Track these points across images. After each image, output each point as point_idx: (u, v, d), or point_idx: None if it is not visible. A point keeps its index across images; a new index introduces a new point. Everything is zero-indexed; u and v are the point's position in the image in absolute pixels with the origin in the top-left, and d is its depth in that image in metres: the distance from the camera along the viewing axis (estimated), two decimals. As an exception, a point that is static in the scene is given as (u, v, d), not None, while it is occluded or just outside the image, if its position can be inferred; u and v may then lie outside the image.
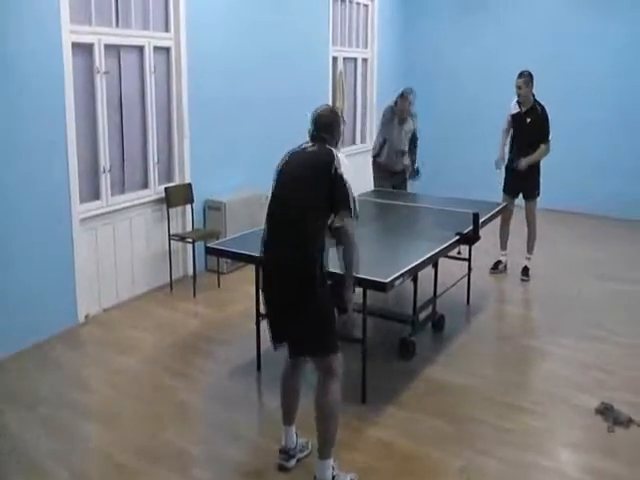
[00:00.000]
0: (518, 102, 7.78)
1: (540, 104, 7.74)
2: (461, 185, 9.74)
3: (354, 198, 3.81)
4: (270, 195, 4.01)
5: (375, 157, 8.08)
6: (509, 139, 8.04)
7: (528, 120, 7.73)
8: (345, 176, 3.78)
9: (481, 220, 6.00)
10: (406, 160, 8.10)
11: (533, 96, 7.72)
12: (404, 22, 12.35)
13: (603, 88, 10.82)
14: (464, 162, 11.63)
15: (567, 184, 10.83)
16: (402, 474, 4.11)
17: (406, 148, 8.02)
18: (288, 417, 4.16)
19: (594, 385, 5.25)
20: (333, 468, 3.86)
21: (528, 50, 10.90)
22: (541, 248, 8.39)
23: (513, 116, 7.87)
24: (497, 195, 7.91)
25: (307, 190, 3.81)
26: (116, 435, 4.52)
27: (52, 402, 4.92)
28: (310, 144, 4.04)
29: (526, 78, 7.59)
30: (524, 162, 7.68)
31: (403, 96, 7.80)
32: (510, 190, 7.95)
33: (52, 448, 4.34)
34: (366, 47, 11.49)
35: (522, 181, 7.81)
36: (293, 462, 4.14)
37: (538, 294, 7.40)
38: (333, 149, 3.95)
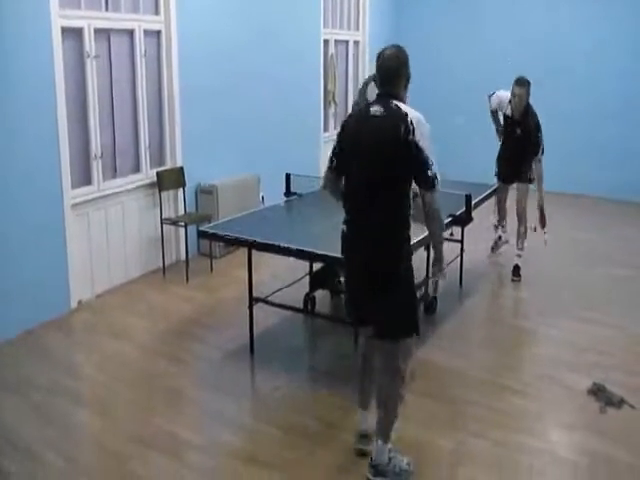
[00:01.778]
0: (509, 101, 7.22)
1: (533, 112, 7.17)
2: (451, 171, 9.78)
3: (431, 165, 3.56)
4: (332, 159, 3.85)
5: None
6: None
7: (518, 131, 7.26)
8: (419, 142, 3.52)
9: (474, 202, 6.01)
10: None
11: (527, 103, 7.14)
12: (396, 4, 12.33)
13: (604, 70, 10.84)
14: (454, 146, 11.61)
15: (561, 166, 10.82)
16: (395, 455, 4.13)
17: None
18: (365, 400, 4.14)
19: (587, 366, 5.27)
20: (390, 450, 3.84)
21: (521, 37, 11.01)
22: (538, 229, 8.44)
23: (505, 116, 7.42)
24: (488, 181, 7.85)
25: (382, 169, 3.58)
26: (109, 421, 4.53)
27: (45, 389, 4.91)
28: (376, 106, 3.66)
29: (528, 87, 7.01)
30: (541, 201, 7.26)
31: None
32: (504, 178, 7.62)
33: (45, 434, 4.34)
34: (357, 29, 11.44)
35: (515, 168, 7.40)
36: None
37: (531, 276, 7.38)
38: (402, 108, 3.59)
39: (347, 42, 11.22)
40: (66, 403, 4.72)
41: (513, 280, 7.34)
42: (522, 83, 6.97)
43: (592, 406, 4.69)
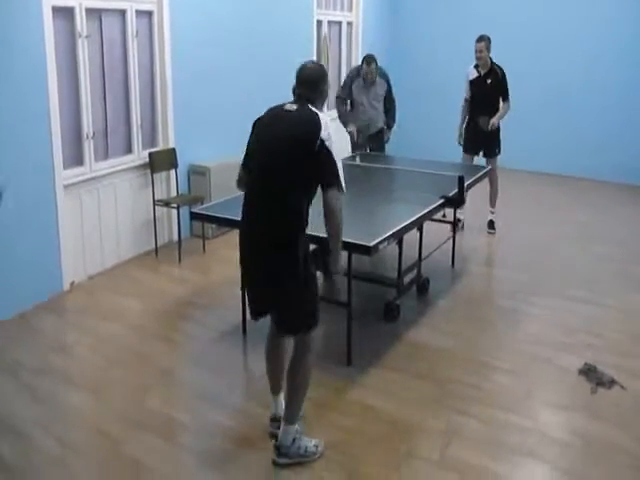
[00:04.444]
0: (475, 67, 8.02)
1: (498, 66, 7.99)
2: (423, 146, 9.89)
3: (340, 170, 3.58)
4: (245, 156, 3.86)
5: (344, 124, 8.09)
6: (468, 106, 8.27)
7: (489, 81, 7.98)
8: (331, 148, 3.54)
9: (466, 183, 6.02)
10: (380, 121, 8.10)
11: (490, 59, 7.94)
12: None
13: (594, 53, 10.83)
14: (433, 125, 11.63)
15: (552, 146, 10.91)
16: (385, 435, 4.15)
17: (380, 111, 8.03)
18: (275, 386, 4.16)
19: (578, 347, 5.30)
20: (296, 431, 3.89)
21: (513, 20, 11.15)
22: (526, 210, 8.47)
23: (472, 82, 8.09)
24: (457, 154, 8.24)
25: (288, 162, 3.58)
26: (101, 402, 4.54)
27: (37, 370, 4.92)
28: (291, 104, 3.72)
29: (486, 42, 7.83)
30: (495, 120, 7.90)
31: (366, 61, 7.83)
32: (470, 149, 8.22)
33: (37, 416, 4.35)
34: (350, 10, 11.39)
35: (483, 140, 8.07)
36: None
37: (524, 256, 7.41)
38: (318, 112, 3.64)
39: (340, 23, 11.17)
40: (58, 384, 4.73)
41: (489, 233, 8.21)
42: (480, 38, 7.86)
43: (583, 386, 4.72)
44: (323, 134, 3.53)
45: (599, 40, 10.69)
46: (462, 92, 8.28)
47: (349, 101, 8.13)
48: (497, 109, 7.99)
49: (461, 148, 8.30)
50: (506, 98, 7.98)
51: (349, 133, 8.01)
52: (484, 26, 10.88)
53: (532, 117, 10.91)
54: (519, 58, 10.70)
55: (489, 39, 7.84)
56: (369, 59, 7.81)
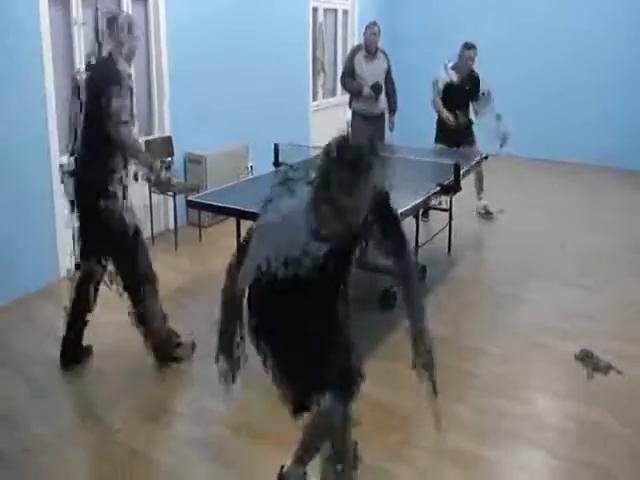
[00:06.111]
0: (452, 68, 7.99)
1: (474, 71, 8.07)
2: (421, 136, 9.91)
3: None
4: None
5: (358, 92, 8.05)
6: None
7: (467, 88, 8.02)
8: None
9: (462, 171, 6.04)
10: (383, 103, 8.06)
11: None
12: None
13: (585, 37, 10.85)
14: (430, 114, 11.68)
15: (547, 132, 10.92)
16: (381, 424, 4.15)
17: (382, 88, 7.99)
18: None
19: (575, 332, 5.31)
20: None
21: (508, 8, 11.28)
22: (521, 196, 8.46)
23: (449, 85, 7.99)
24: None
25: None
26: (99, 391, 4.55)
27: (33, 359, 4.90)
28: None
29: (476, 49, 7.90)
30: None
31: (369, 26, 7.77)
32: (444, 141, 8.11)
33: (35, 405, 4.34)
34: (346, -2, 11.38)
35: (458, 132, 8.00)
36: None
37: (520, 242, 7.44)
38: None
39: (336, 11, 11.15)
40: (54, 374, 4.71)
41: (487, 217, 8.29)
42: (472, 46, 7.89)
43: (579, 372, 4.75)
44: None
45: (589, 22, 10.78)
46: (438, 90, 8.11)
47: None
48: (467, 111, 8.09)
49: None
50: (476, 99, 8.07)
51: (366, 94, 7.95)
52: (482, 16, 11.00)
53: (526, 104, 10.89)
54: (512, 46, 10.76)
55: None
56: (372, 23, 7.82)
